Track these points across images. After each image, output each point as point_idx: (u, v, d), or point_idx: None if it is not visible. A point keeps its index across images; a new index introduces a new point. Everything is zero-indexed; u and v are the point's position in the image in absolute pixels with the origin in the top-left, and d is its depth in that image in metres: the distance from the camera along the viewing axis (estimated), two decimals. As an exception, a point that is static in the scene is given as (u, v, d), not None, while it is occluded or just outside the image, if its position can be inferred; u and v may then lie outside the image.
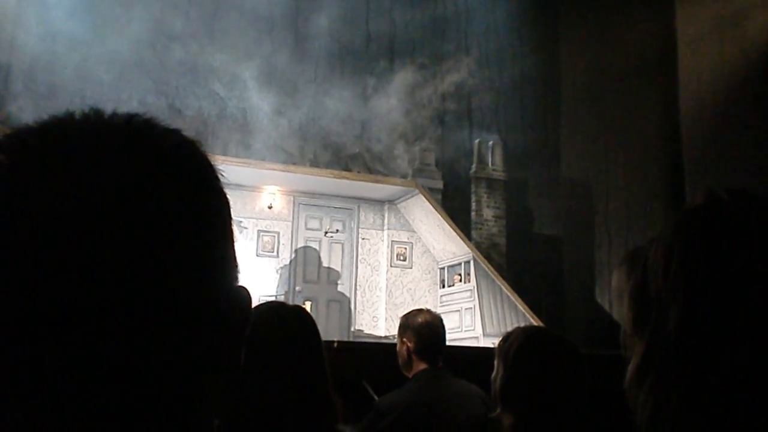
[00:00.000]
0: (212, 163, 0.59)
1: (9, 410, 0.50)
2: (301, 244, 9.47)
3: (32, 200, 0.50)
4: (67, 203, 0.50)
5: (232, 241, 0.59)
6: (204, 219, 0.56)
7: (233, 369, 0.58)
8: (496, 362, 2.03)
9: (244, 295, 0.59)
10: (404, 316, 3.30)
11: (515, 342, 1.99)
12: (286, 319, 1.81)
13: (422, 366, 3.07)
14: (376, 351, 5.01)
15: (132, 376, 0.51)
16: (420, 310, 3.28)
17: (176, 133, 0.58)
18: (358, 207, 10.03)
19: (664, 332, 0.72)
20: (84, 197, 0.50)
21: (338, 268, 9.72)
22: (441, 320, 3.24)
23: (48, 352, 0.49)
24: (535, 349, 1.97)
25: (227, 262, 0.58)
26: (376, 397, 4.25)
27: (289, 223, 9.34)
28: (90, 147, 0.53)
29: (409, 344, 3.10)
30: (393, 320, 9.21)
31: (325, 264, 9.62)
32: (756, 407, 0.67)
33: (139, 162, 0.53)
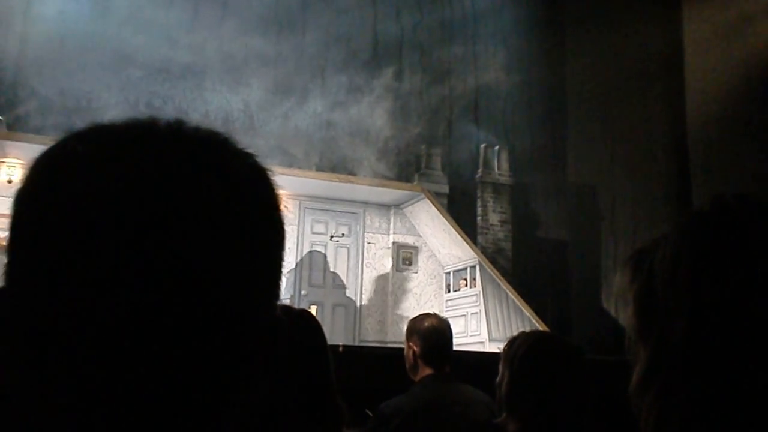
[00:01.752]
0: (279, 192, 0.60)
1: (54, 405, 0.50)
2: (306, 248, 9.47)
3: (108, 196, 0.50)
4: (143, 204, 0.50)
5: (281, 268, 0.59)
6: (270, 246, 0.56)
7: (261, 392, 0.58)
8: (501, 367, 2.02)
9: (284, 326, 0.59)
10: (412, 320, 3.29)
11: (521, 347, 1.98)
12: (292, 324, 1.81)
13: (428, 371, 3.06)
14: (382, 355, 5.01)
15: (171, 388, 0.51)
16: (427, 315, 3.27)
17: (253, 156, 0.59)
18: (364, 211, 10.02)
19: (670, 341, 0.71)
20: (164, 201, 0.50)
21: (344, 272, 9.72)
22: (448, 325, 3.23)
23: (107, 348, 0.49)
24: (540, 354, 1.96)
25: (277, 292, 0.58)
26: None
27: (295, 227, 9.35)
28: (173, 153, 0.53)
29: (415, 348, 3.09)
30: (398, 324, 9.20)
31: (331, 268, 9.62)
32: (763, 419, 0.66)
33: (221, 178, 0.54)
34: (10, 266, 0.52)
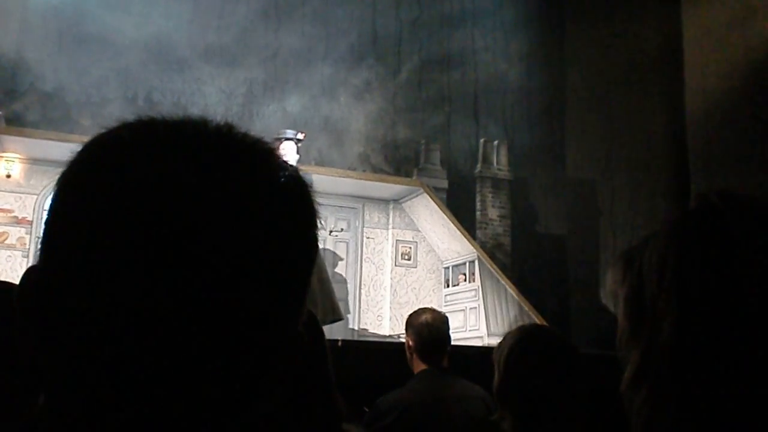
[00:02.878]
0: (316, 205, 0.59)
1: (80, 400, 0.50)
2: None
3: (151, 192, 0.50)
4: (184, 204, 0.50)
5: (309, 284, 0.59)
6: (302, 263, 0.56)
7: (274, 402, 0.58)
8: (494, 364, 2.03)
9: (305, 340, 0.59)
10: (410, 315, 3.30)
11: (507, 343, 1.99)
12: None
13: (424, 365, 3.07)
14: (381, 350, 5.01)
15: (193, 394, 0.50)
16: (424, 310, 3.29)
17: (293, 168, 0.59)
18: (363, 206, 10.02)
19: (660, 342, 0.72)
20: (205, 203, 0.50)
21: (342, 267, 9.72)
22: (444, 320, 3.23)
23: (137, 343, 0.49)
24: (527, 348, 1.96)
25: (302, 308, 0.58)
26: None
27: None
28: (220, 156, 0.54)
29: (410, 343, 3.11)
30: (397, 319, 9.21)
31: (329, 263, 9.63)
32: (753, 419, 0.66)
33: (264, 187, 0.54)
34: (46, 247, 0.52)
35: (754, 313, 0.68)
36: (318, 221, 0.59)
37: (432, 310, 3.31)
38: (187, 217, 0.49)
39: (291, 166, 0.59)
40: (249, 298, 0.51)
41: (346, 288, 9.66)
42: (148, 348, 0.49)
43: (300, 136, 6.60)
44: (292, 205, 0.56)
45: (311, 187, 0.59)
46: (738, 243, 0.72)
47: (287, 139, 6.46)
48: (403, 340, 3.28)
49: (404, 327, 3.24)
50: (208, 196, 0.50)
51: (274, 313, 0.53)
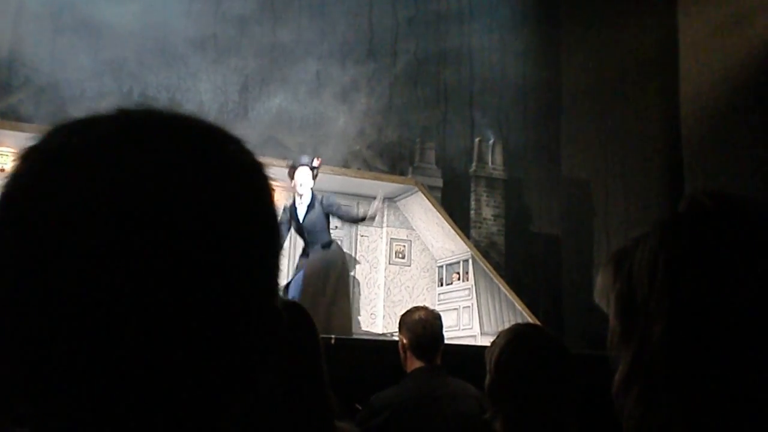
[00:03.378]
0: (270, 178, 0.58)
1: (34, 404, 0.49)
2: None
3: (90, 189, 0.49)
4: (133, 199, 0.49)
5: (279, 261, 0.58)
6: (262, 238, 0.55)
7: (260, 388, 0.57)
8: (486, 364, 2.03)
9: (282, 316, 0.58)
10: (403, 313, 3.31)
11: (499, 343, 1.99)
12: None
13: (418, 363, 3.07)
14: (374, 348, 5.01)
15: (162, 381, 0.50)
16: (418, 308, 3.29)
17: (239, 142, 0.57)
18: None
19: (651, 343, 0.72)
20: (153, 194, 0.50)
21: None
22: (438, 318, 3.24)
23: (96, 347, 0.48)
24: (519, 348, 1.97)
25: (273, 284, 0.57)
26: None
27: (288, 219, 9.33)
28: (162, 145, 0.53)
29: (404, 341, 3.11)
30: (391, 318, 9.21)
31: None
32: (745, 419, 0.67)
33: (211, 170, 0.53)
34: None
35: (744, 314, 0.69)
36: (272, 194, 0.58)
37: (426, 308, 3.31)
38: (133, 212, 0.49)
39: (240, 145, 0.57)
40: (208, 283, 0.50)
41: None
42: (108, 343, 0.48)
43: (316, 162, 6.45)
44: (241, 182, 0.55)
45: (261, 164, 0.58)
46: (728, 244, 0.72)
47: (302, 164, 6.33)
48: (397, 339, 3.28)
49: (398, 326, 3.24)
50: (153, 187, 0.50)
51: (238, 293, 0.52)
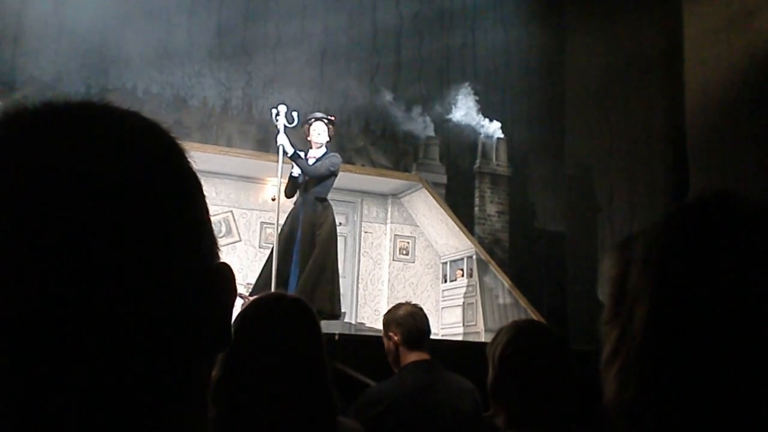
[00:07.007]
0: (177, 142, 0.58)
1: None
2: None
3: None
4: (25, 197, 0.49)
5: (208, 219, 0.58)
6: (174, 197, 0.55)
7: (223, 346, 0.57)
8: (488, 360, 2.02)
9: (226, 269, 0.58)
10: (385, 314, 3.31)
11: (502, 339, 1.99)
12: (285, 311, 1.81)
13: (412, 357, 3.06)
14: (378, 344, 5.00)
15: (121, 356, 0.50)
16: (401, 304, 3.31)
17: (135, 115, 0.57)
18: (362, 200, 10.02)
19: (633, 325, 0.78)
20: (43, 188, 0.50)
21: (341, 261, 9.73)
22: (423, 310, 3.26)
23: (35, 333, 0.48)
24: (521, 344, 1.96)
25: (205, 239, 0.57)
26: (364, 379, 4.26)
27: (292, 216, 9.34)
28: (46, 138, 0.52)
29: (395, 337, 3.10)
30: (395, 314, 9.20)
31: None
32: (706, 400, 0.74)
33: (99, 147, 0.53)
34: None
35: (721, 307, 0.74)
36: (181, 160, 0.57)
37: (408, 303, 3.32)
38: (28, 207, 0.49)
39: (134, 114, 0.57)
40: (135, 259, 0.51)
41: (343, 283, 9.66)
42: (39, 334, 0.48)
43: (330, 117, 6.61)
44: (141, 152, 0.54)
45: (161, 128, 0.58)
46: (719, 240, 0.77)
47: (317, 119, 6.46)
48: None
49: (383, 329, 3.22)
50: (43, 176, 0.50)
51: (165, 259, 0.52)
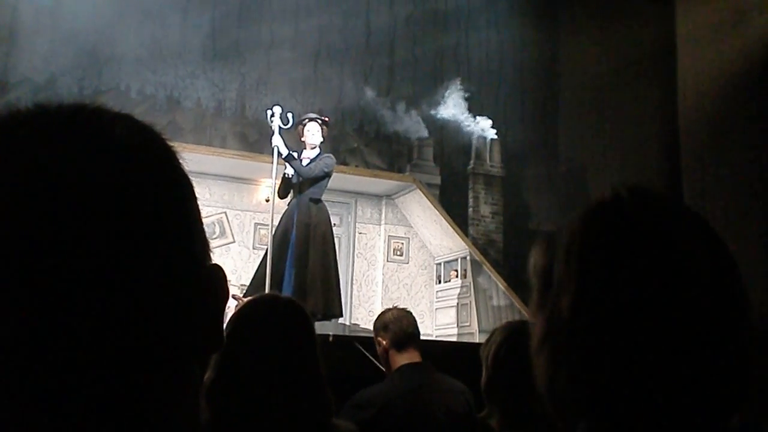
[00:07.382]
0: (169, 145, 0.58)
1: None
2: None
3: None
4: (19, 199, 0.50)
5: (200, 221, 0.59)
6: (167, 199, 0.55)
7: (215, 348, 0.58)
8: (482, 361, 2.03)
9: (218, 271, 0.59)
10: (375, 320, 3.33)
11: (495, 340, 1.99)
12: (279, 312, 1.81)
13: (403, 359, 3.07)
14: (372, 345, 5.00)
15: (112, 357, 0.50)
16: (387, 309, 3.34)
17: (128, 118, 0.57)
18: (356, 201, 10.02)
19: (558, 314, 0.83)
20: (35, 192, 0.50)
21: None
22: (411, 314, 3.28)
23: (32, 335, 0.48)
24: (515, 345, 1.97)
25: (197, 241, 0.57)
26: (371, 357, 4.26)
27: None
28: (39, 141, 0.52)
29: (384, 342, 3.11)
30: (389, 315, 9.19)
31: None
32: (627, 380, 0.79)
33: (91, 151, 0.53)
34: None
35: (636, 296, 0.80)
36: (173, 162, 0.58)
37: (395, 307, 3.35)
38: (21, 209, 0.49)
39: (126, 116, 0.57)
40: (128, 261, 0.51)
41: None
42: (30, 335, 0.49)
43: (324, 118, 6.64)
44: (132, 154, 0.54)
45: (153, 131, 0.58)
46: (632, 234, 0.83)
47: (311, 119, 6.48)
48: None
49: (374, 335, 3.24)
50: (36, 179, 0.50)
51: (159, 261, 0.52)
